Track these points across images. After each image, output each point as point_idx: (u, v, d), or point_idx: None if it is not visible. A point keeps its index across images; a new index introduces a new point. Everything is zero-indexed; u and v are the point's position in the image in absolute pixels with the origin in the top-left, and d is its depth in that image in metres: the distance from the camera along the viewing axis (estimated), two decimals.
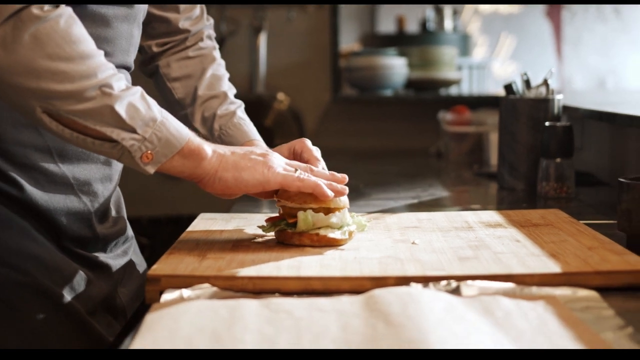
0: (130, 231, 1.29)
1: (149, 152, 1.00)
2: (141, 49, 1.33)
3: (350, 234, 1.12)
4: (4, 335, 1.04)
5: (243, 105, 1.35)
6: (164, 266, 0.99)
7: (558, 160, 1.62)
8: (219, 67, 1.36)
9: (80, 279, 1.11)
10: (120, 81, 0.99)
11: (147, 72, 1.37)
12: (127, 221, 1.29)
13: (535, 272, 0.96)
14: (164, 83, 1.34)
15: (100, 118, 0.97)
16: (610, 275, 0.95)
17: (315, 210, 1.10)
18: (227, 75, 1.37)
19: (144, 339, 0.77)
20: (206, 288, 0.94)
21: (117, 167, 1.21)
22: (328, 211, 1.10)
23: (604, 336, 0.77)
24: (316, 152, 1.21)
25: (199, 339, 0.77)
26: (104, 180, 1.18)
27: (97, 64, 0.97)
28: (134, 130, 0.98)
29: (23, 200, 1.07)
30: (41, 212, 1.09)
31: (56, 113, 0.96)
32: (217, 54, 1.38)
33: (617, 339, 0.77)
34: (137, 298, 1.22)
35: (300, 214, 1.09)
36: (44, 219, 1.10)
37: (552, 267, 0.97)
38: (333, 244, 1.10)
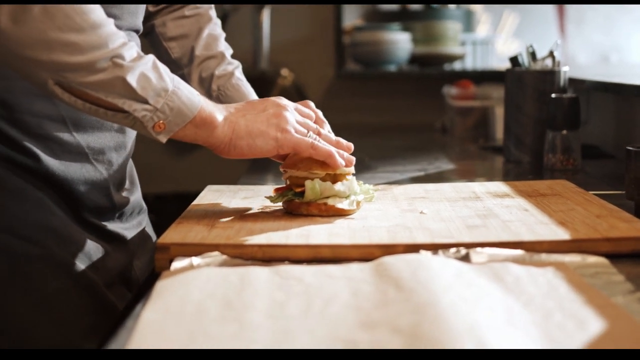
0: (143, 202, 1.30)
1: (161, 121, 1.00)
2: None
3: (358, 203, 1.12)
4: (20, 308, 1.04)
5: (240, 66, 1.35)
6: (173, 234, 0.99)
7: (564, 132, 1.62)
8: (215, 26, 1.35)
9: (97, 251, 1.12)
10: (132, 50, 0.98)
11: (142, 32, 1.35)
12: (140, 191, 1.29)
13: (544, 239, 0.96)
14: (160, 43, 1.33)
15: (111, 89, 0.97)
16: (619, 241, 0.95)
17: (322, 179, 1.10)
18: (223, 35, 1.36)
19: (155, 305, 0.78)
20: (216, 256, 0.94)
21: (131, 135, 1.21)
22: (335, 179, 1.10)
23: (614, 300, 0.78)
24: (320, 114, 1.21)
25: (209, 303, 0.77)
26: (118, 149, 1.18)
27: (107, 33, 0.97)
28: (145, 101, 0.98)
29: (39, 171, 1.07)
30: (58, 182, 1.09)
31: (68, 85, 0.96)
32: (213, 12, 1.37)
33: (628, 303, 0.77)
34: (149, 270, 1.22)
35: (308, 183, 1.09)
36: (61, 189, 1.10)
37: (561, 234, 0.97)
38: (341, 213, 1.09)
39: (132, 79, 0.97)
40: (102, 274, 1.11)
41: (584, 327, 0.70)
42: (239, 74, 1.32)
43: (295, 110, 1.13)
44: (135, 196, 1.25)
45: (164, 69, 1.01)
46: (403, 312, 0.73)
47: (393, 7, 3.25)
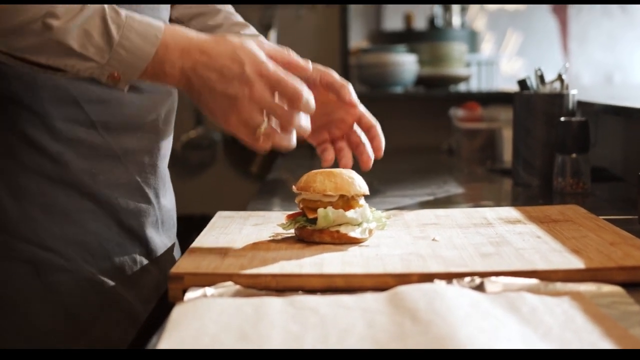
0: (176, 220, 1.29)
1: (115, 73, 0.95)
2: None
3: (371, 231, 1.11)
4: (41, 316, 1.06)
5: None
6: (186, 264, 0.99)
7: (574, 155, 1.61)
8: (230, 7, 1.33)
9: (132, 266, 1.12)
10: (67, 6, 0.94)
11: None
12: (174, 203, 1.29)
13: (559, 267, 0.95)
14: (180, 24, 1.26)
15: (49, 52, 0.94)
16: (635, 270, 0.95)
17: (335, 204, 1.09)
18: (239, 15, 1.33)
19: (171, 338, 0.77)
20: (229, 286, 0.93)
21: (166, 136, 1.20)
22: (347, 204, 1.10)
23: (633, 332, 0.77)
24: (295, 58, 1.06)
25: (225, 337, 0.77)
26: (150, 150, 1.17)
27: None
28: (89, 59, 0.94)
29: (69, 182, 1.08)
30: (90, 189, 1.09)
31: (6, 50, 0.95)
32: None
33: None
34: (158, 290, 1.21)
35: (320, 211, 1.08)
36: (93, 197, 1.10)
37: (576, 262, 0.97)
38: (353, 242, 1.09)
39: (69, 39, 0.93)
40: (136, 290, 1.12)
41: None
42: (262, 39, 1.26)
43: (268, 76, 0.98)
44: (171, 204, 1.25)
45: (111, 14, 0.95)
46: (421, 345, 0.72)
47: (398, 27, 3.26)
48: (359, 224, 1.10)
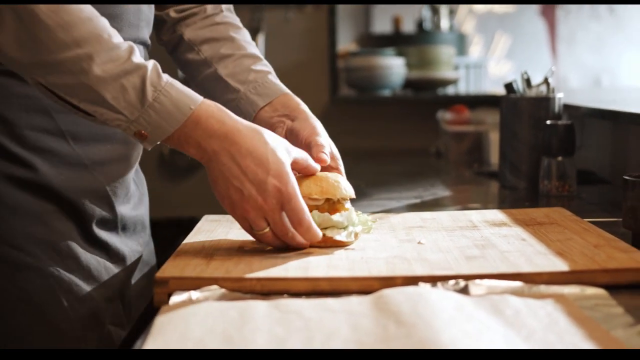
0: (147, 222, 1.31)
1: (142, 131, 0.98)
2: (160, 21, 1.30)
3: (356, 235, 1.12)
4: (13, 314, 1.07)
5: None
6: (171, 268, 0.99)
7: (560, 158, 1.62)
8: (246, 34, 1.33)
9: (97, 266, 1.13)
10: (112, 53, 0.96)
11: (169, 45, 1.33)
12: (147, 211, 1.30)
13: (543, 270, 0.96)
14: (191, 48, 1.29)
15: (83, 95, 0.96)
16: (618, 272, 0.95)
17: (321, 207, 1.09)
18: (254, 43, 1.34)
19: (155, 341, 0.77)
20: (214, 290, 0.94)
21: (136, 147, 1.21)
22: (333, 208, 1.10)
23: (615, 334, 0.77)
24: (325, 148, 1.15)
25: (210, 340, 0.77)
26: (120, 161, 1.18)
27: (82, 34, 0.95)
28: (119, 112, 0.97)
29: (38, 183, 1.09)
30: (58, 194, 1.10)
31: (44, 84, 0.97)
32: (240, 24, 1.34)
33: (628, 337, 0.77)
34: (144, 297, 1.23)
35: None
36: (62, 202, 1.11)
37: (560, 265, 0.97)
38: (339, 245, 1.09)
39: (103, 89, 0.96)
40: (100, 288, 1.13)
41: None
42: (274, 77, 1.27)
43: (283, 195, 1.02)
44: (141, 212, 1.26)
45: (152, 76, 0.98)
46: (405, 348, 0.72)
47: (386, 30, 3.26)
48: (345, 227, 1.10)
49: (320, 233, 1.06)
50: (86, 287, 1.11)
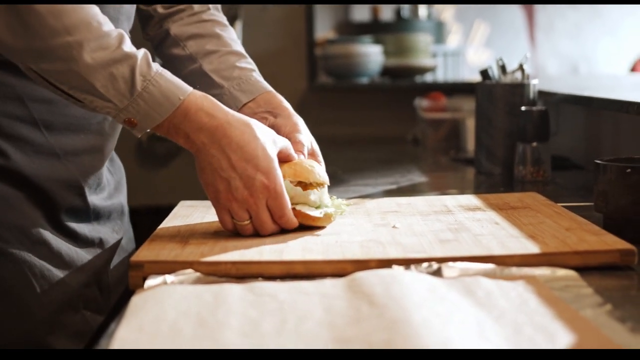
0: (126, 209, 1.31)
1: (132, 119, 0.99)
2: (147, 16, 1.31)
3: (329, 216, 1.11)
4: None
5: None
6: (146, 252, 0.99)
7: (534, 144, 1.64)
8: (232, 32, 1.33)
9: (69, 252, 1.13)
10: (106, 42, 0.97)
11: (154, 40, 1.33)
12: (125, 199, 1.30)
13: (515, 253, 0.97)
14: (176, 43, 1.29)
15: (72, 83, 0.97)
16: (588, 255, 0.97)
17: (293, 185, 1.10)
18: (239, 41, 1.34)
19: (129, 324, 0.78)
20: (189, 273, 0.94)
21: (110, 137, 1.20)
22: (306, 187, 1.10)
23: (584, 313, 0.79)
24: (304, 148, 1.17)
25: (184, 322, 0.78)
26: (93, 151, 1.17)
27: (73, 21, 0.96)
28: (108, 100, 0.98)
29: (10, 170, 1.08)
30: (29, 181, 1.10)
31: (36, 70, 0.98)
32: (227, 23, 1.35)
33: (596, 316, 0.78)
34: (122, 283, 1.23)
35: None
36: (33, 190, 1.10)
37: (531, 248, 0.99)
38: (309, 222, 1.09)
39: (93, 78, 0.97)
40: (74, 274, 1.13)
41: (554, 341, 0.71)
42: (258, 75, 1.28)
43: (270, 191, 1.04)
44: (116, 201, 1.26)
45: (142, 66, 0.99)
46: (376, 328, 0.73)
47: (364, 18, 3.27)
48: (317, 207, 1.11)
49: (295, 221, 1.07)
50: (59, 273, 1.11)
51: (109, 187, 1.25)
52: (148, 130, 1.02)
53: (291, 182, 1.09)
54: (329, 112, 3.00)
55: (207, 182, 1.04)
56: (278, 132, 1.16)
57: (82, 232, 1.17)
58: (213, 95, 1.09)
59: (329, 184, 1.13)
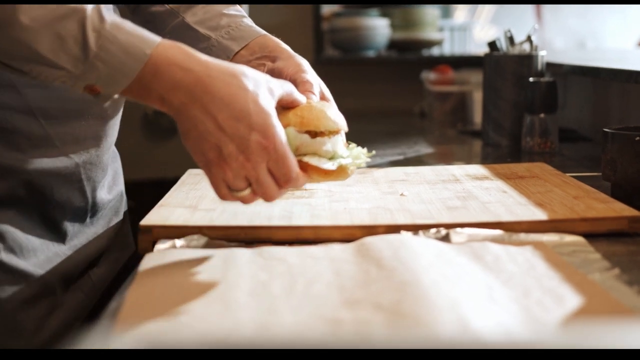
0: (124, 206, 1.22)
1: (93, 85, 0.83)
2: None
3: (345, 169, 0.93)
4: None
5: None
6: (155, 217, 1.00)
7: (542, 115, 1.63)
8: None
9: (53, 255, 1.04)
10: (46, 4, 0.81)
11: (131, 3, 1.19)
12: (123, 196, 1.22)
13: (523, 219, 0.97)
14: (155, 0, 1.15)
15: (17, 54, 0.82)
16: (596, 221, 0.97)
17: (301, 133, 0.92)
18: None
19: (139, 287, 0.78)
20: (198, 238, 0.95)
21: (112, 121, 1.10)
22: (316, 135, 0.92)
23: (592, 277, 0.79)
24: (314, 86, 1.02)
25: (193, 284, 0.78)
26: (95, 139, 1.07)
27: None
28: (59, 67, 0.81)
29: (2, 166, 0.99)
30: (22, 176, 1.00)
31: None
32: None
33: (604, 280, 0.79)
34: (114, 283, 1.14)
35: None
36: (27, 184, 1.01)
37: (540, 214, 0.99)
38: (321, 176, 0.91)
39: (37, 43, 0.80)
40: (54, 272, 1.03)
41: (562, 303, 0.71)
42: (249, 21, 1.13)
43: (270, 152, 0.85)
44: (115, 196, 1.17)
45: (93, 19, 0.81)
46: (385, 290, 0.74)
47: None
48: (331, 158, 0.92)
49: (304, 179, 0.90)
50: (35, 271, 1.01)
51: (107, 179, 1.15)
52: (116, 96, 0.86)
53: (297, 130, 0.91)
54: (336, 85, 2.97)
55: (193, 149, 0.85)
56: (279, 76, 1.01)
57: (72, 231, 1.07)
58: (201, 50, 0.93)
59: (346, 130, 0.95)
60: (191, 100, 0.83)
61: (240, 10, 1.15)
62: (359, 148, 0.97)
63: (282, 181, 0.87)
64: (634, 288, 0.75)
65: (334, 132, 0.92)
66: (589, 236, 0.95)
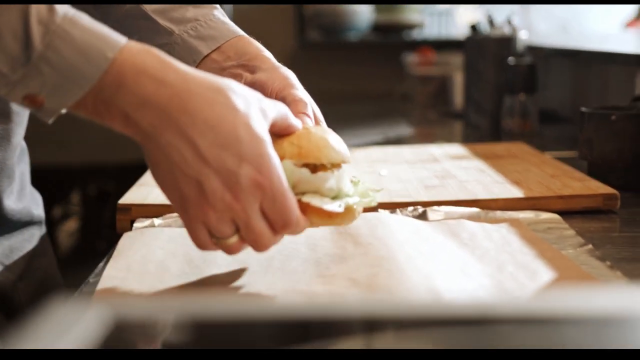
0: (39, 212, 1.03)
1: (35, 95, 0.64)
2: None
3: (352, 210, 0.74)
4: None
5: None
6: (134, 196, 1.00)
7: (522, 96, 1.64)
8: None
9: None
10: None
11: None
12: (39, 199, 1.05)
13: (499, 197, 0.98)
14: None
15: None
16: (572, 199, 0.98)
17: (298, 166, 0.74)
18: None
19: (117, 264, 0.79)
20: (177, 217, 0.95)
21: (19, 122, 0.93)
22: (317, 169, 0.73)
23: (566, 253, 0.80)
24: (306, 107, 0.82)
25: (171, 261, 0.79)
26: None
27: None
28: None
29: None
30: None
31: None
32: None
33: (578, 255, 0.80)
34: (40, 294, 1.00)
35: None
36: None
37: (516, 192, 1.00)
38: (324, 219, 0.72)
39: None
40: None
41: (535, 277, 0.72)
42: (221, 14, 0.93)
43: (265, 191, 0.66)
44: (26, 203, 0.99)
45: (41, 11, 0.63)
46: (361, 265, 0.75)
47: None
48: (335, 197, 0.74)
49: (305, 224, 0.71)
50: None
51: (15, 185, 0.97)
52: (63, 111, 0.66)
53: (294, 163, 0.73)
54: (319, 68, 2.99)
55: (165, 184, 0.67)
56: (263, 91, 0.82)
57: None
58: (158, 47, 0.72)
59: (349, 162, 0.77)
60: (165, 122, 0.65)
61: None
62: (366, 183, 0.81)
63: (279, 226, 0.68)
64: (605, 263, 0.76)
65: (337, 165, 0.75)
66: (565, 214, 0.96)
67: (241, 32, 0.91)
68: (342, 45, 2.96)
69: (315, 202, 0.72)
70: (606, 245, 0.83)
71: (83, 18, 0.65)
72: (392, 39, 2.96)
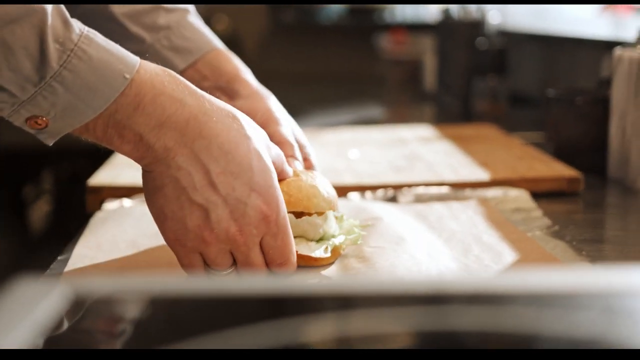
0: None
1: (39, 117, 0.60)
2: None
3: (337, 250, 0.74)
4: None
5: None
6: (104, 176, 1.00)
7: (492, 79, 1.66)
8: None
9: None
10: None
11: None
12: None
13: (466, 180, 0.99)
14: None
15: None
16: (537, 181, 1.00)
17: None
18: None
19: (88, 241, 0.79)
20: None
21: None
22: (302, 213, 0.72)
23: (532, 235, 0.81)
24: (287, 130, 0.80)
25: (142, 240, 0.79)
26: None
27: None
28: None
29: None
30: None
31: None
32: None
33: (544, 236, 0.81)
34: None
35: None
36: None
37: (482, 175, 1.01)
38: (310, 263, 0.72)
39: None
40: None
41: (499, 259, 0.74)
42: (195, 19, 0.88)
43: (270, 224, 0.65)
44: None
45: (57, 26, 0.59)
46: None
47: None
48: (319, 239, 0.73)
49: (295, 265, 0.68)
50: None
51: None
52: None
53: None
54: (292, 49, 2.99)
55: (165, 212, 0.64)
56: None
57: None
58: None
59: (336, 209, 0.76)
60: (179, 144, 0.62)
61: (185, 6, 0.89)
62: (351, 220, 0.78)
63: (276, 264, 0.66)
64: (571, 244, 0.78)
65: (320, 213, 0.73)
66: (531, 196, 0.97)
67: (217, 43, 0.87)
68: (316, 26, 2.96)
69: (303, 250, 0.71)
70: (569, 227, 0.85)
71: (97, 35, 0.61)
72: (365, 21, 2.97)
